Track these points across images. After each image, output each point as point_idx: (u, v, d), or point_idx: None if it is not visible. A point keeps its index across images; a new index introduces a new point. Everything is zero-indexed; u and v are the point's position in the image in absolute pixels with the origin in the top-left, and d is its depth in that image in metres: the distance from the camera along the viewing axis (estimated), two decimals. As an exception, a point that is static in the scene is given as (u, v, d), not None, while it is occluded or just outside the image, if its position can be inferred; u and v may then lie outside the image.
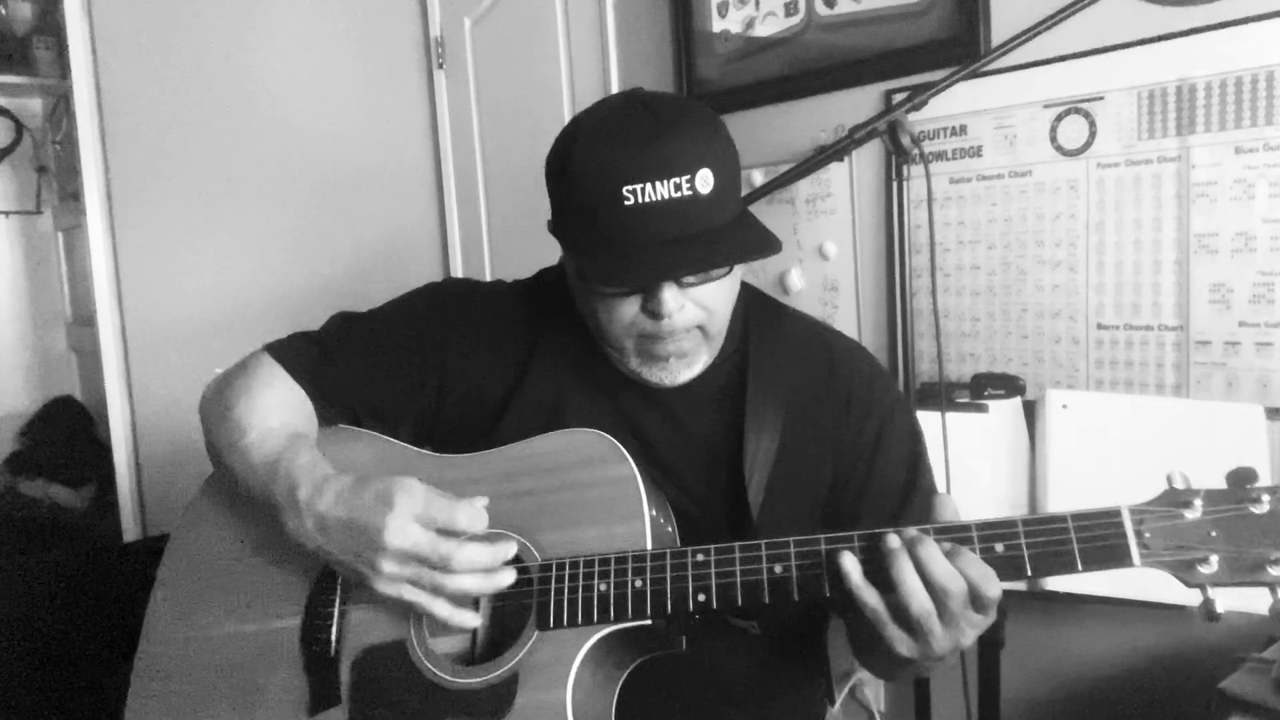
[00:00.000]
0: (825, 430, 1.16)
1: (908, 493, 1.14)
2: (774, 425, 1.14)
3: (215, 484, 1.23)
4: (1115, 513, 0.88)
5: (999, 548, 0.90)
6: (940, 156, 1.84)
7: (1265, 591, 0.86)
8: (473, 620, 1.00)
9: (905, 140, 1.52)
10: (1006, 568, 0.89)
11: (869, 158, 1.95)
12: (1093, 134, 1.66)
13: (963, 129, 1.82)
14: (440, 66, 2.92)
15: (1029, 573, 0.89)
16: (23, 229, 3.56)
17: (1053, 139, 1.71)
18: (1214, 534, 0.86)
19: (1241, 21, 1.48)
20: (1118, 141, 1.63)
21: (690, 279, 1.03)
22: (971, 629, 0.91)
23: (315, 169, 2.82)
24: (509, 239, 2.78)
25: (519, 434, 1.10)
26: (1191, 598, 0.88)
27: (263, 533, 1.13)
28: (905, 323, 1.60)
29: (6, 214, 3.51)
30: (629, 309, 1.04)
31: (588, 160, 1.01)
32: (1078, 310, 1.71)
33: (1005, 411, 1.60)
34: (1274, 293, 1.49)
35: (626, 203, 0.97)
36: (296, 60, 2.81)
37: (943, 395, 1.60)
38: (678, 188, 0.98)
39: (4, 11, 3.28)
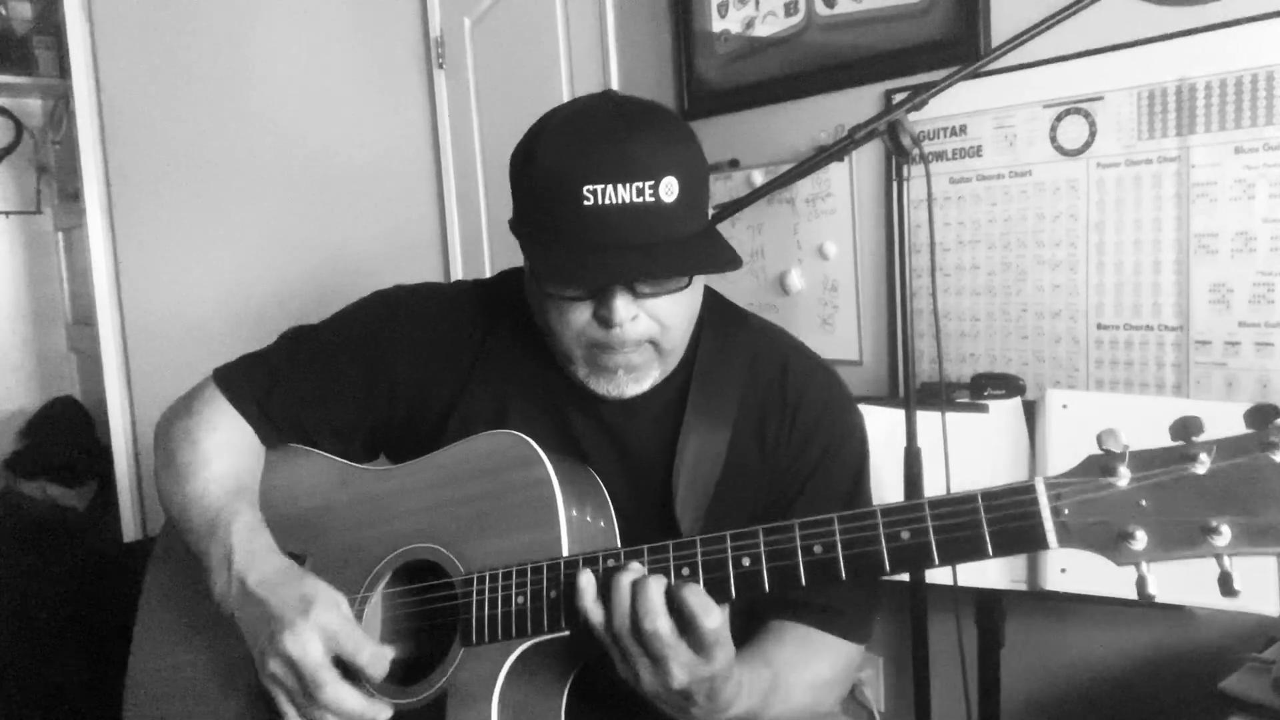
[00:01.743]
0: (769, 449, 1.13)
1: None
2: (718, 439, 1.10)
3: None
4: (1029, 488, 0.79)
5: (905, 534, 0.83)
6: (940, 156, 1.84)
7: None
8: None
9: (905, 140, 1.51)
10: (913, 556, 0.83)
11: (869, 158, 1.95)
12: (1093, 134, 1.66)
13: (963, 129, 1.82)
14: (440, 66, 2.92)
15: (936, 561, 0.82)
16: (23, 229, 3.56)
17: (1053, 139, 1.71)
18: (1144, 503, 0.75)
19: (1241, 21, 1.48)
20: (1118, 141, 1.63)
21: (645, 289, 0.99)
22: (682, 672, 0.87)
23: (315, 169, 2.82)
24: (509, 238, 2.77)
25: (461, 437, 1.08)
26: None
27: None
28: (905, 323, 1.60)
29: (6, 214, 3.51)
30: (580, 315, 1.00)
31: (551, 155, 0.97)
32: (1078, 310, 1.71)
33: (1005, 411, 1.60)
34: (1274, 293, 1.49)
35: (586, 202, 0.93)
36: (296, 60, 2.81)
37: (943, 395, 1.59)
38: (640, 192, 0.94)
39: (4, 11, 3.28)
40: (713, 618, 0.85)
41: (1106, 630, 1.70)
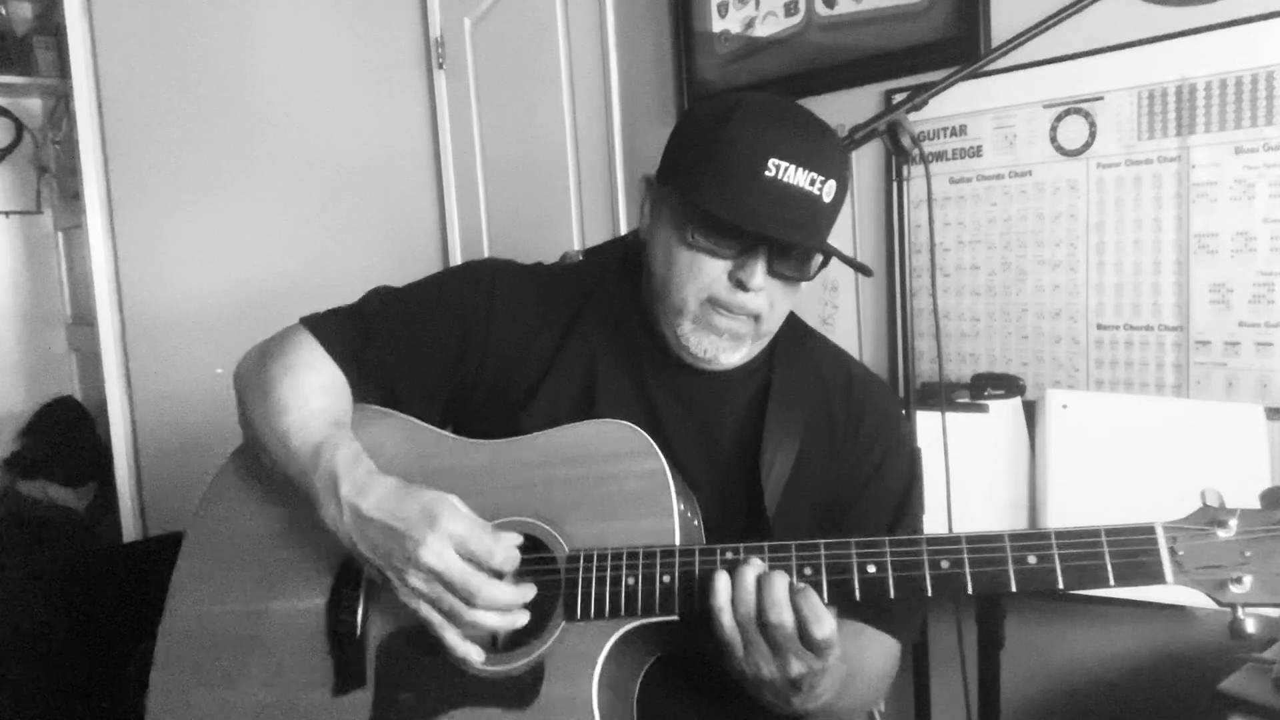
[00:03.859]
0: (835, 450, 1.18)
1: (891, 529, 1.15)
2: (792, 438, 1.15)
3: (242, 459, 1.23)
4: (1149, 529, 0.88)
5: (1031, 559, 0.89)
6: (940, 156, 1.85)
7: None
8: (476, 656, 1.00)
9: (905, 140, 1.51)
10: (1038, 579, 0.89)
11: (869, 158, 1.95)
12: (1093, 134, 1.66)
13: (963, 129, 1.82)
14: (440, 66, 2.92)
15: (1060, 585, 0.89)
16: (23, 229, 3.55)
17: (1053, 139, 1.71)
18: (1248, 554, 0.86)
19: (1241, 21, 1.48)
20: (1118, 141, 1.63)
21: (781, 268, 1.06)
22: (799, 662, 0.93)
23: (315, 169, 2.82)
24: (509, 238, 2.78)
25: (549, 409, 1.12)
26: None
27: (291, 513, 1.13)
28: (905, 323, 1.60)
29: (6, 214, 3.51)
30: (714, 268, 1.06)
31: (750, 122, 1.04)
32: (1078, 310, 1.71)
33: (1005, 411, 1.60)
34: (1274, 293, 1.49)
35: (767, 173, 1.01)
36: (297, 60, 2.81)
37: (943, 395, 1.59)
38: (812, 182, 1.02)
39: (4, 11, 3.28)
40: (824, 626, 0.90)
41: (1106, 630, 1.70)
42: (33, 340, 3.56)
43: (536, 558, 1.03)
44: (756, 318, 1.09)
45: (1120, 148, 1.63)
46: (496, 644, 1.05)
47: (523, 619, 1.00)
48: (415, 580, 0.99)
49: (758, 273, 1.04)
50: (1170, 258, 1.59)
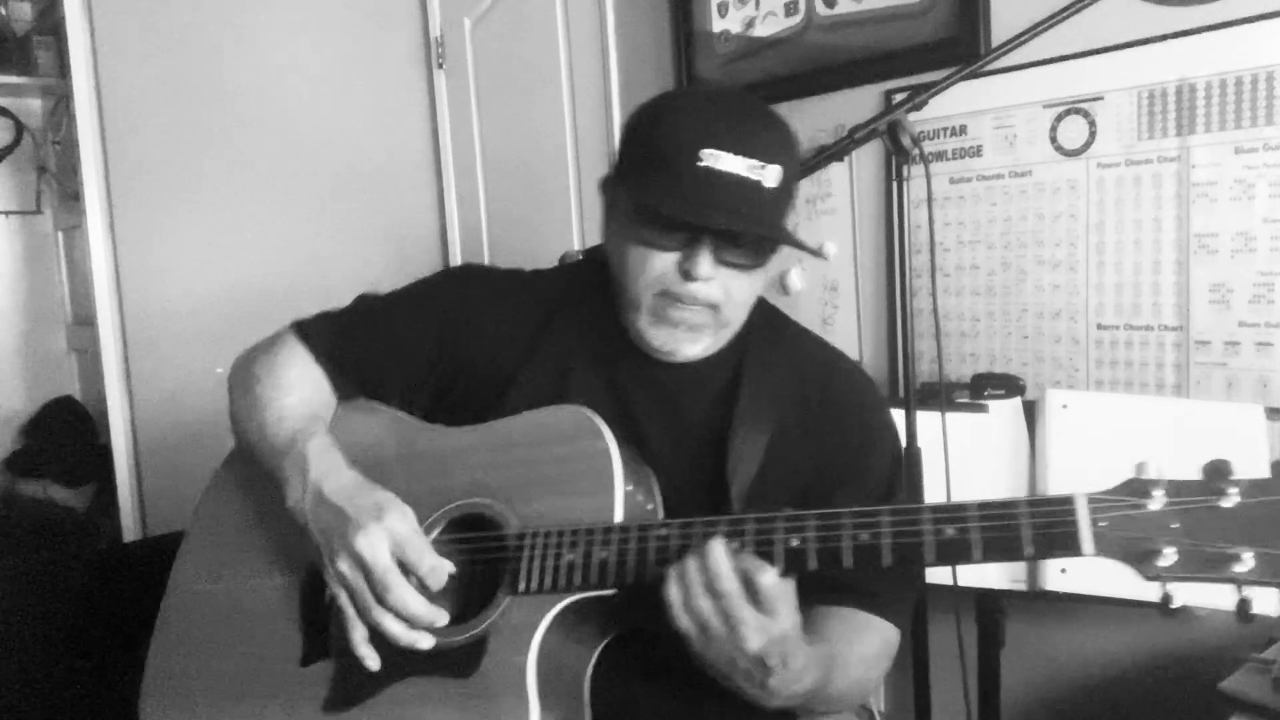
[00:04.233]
0: (809, 441, 1.18)
1: None
2: (763, 429, 1.16)
3: (237, 455, 1.31)
4: (1069, 500, 0.85)
5: (950, 531, 0.89)
6: (940, 156, 1.85)
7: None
8: (372, 661, 1.04)
9: (905, 140, 1.51)
10: (955, 552, 0.89)
11: (869, 158, 1.95)
12: (1093, 134, 1.66)
13: (963, 129, 1.82)
14: (440, 66, 2.92)
15: (977, 557, 0.88)
16: (23, 229, 3.55)
17: (1053, 139, 1.71)
18: (1175, 526, 0.83)
19: (1241, 21, 1.48)
20: (1118, 141, 1.63)
21: (728, 257, 1.07)
22: (756, 634, 0.90)
23: (315, 169, 2.82)
24: (509, 238, 2.78)
25: (525, 403, 1.15)
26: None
27: (273, 501, 1.18)
28: (905, 323, 1.60)
29: (6, 214, 3.51)
30: (663, 261, 1.08)
31: (678, 115, 1.07)
32: (1078, 310, 1.71)
33: (1005, 411, 1.60)
34: (1274, 293, 1.49)
35: (700, 163, 1.02)
36: (297, 60, 2.81)
37: (943, 395, 1.59)
38: (749, 169, 1.03)
39: (4, 11, 3.28)
40: (768, 574, 0.90)
41: (1106, 630, 1.70)
42: (33, 340, 3.56)
43: (490, 535, 1.08)
44: (714, 308, 1.10)
45: (1120, 148, 1.63)
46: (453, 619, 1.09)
47: (425, 642, 1.02)
48: (343, 564, 1.03)
49: (703, 262, 1.05)
50: (1170, 258, 1.59)
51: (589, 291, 1.22)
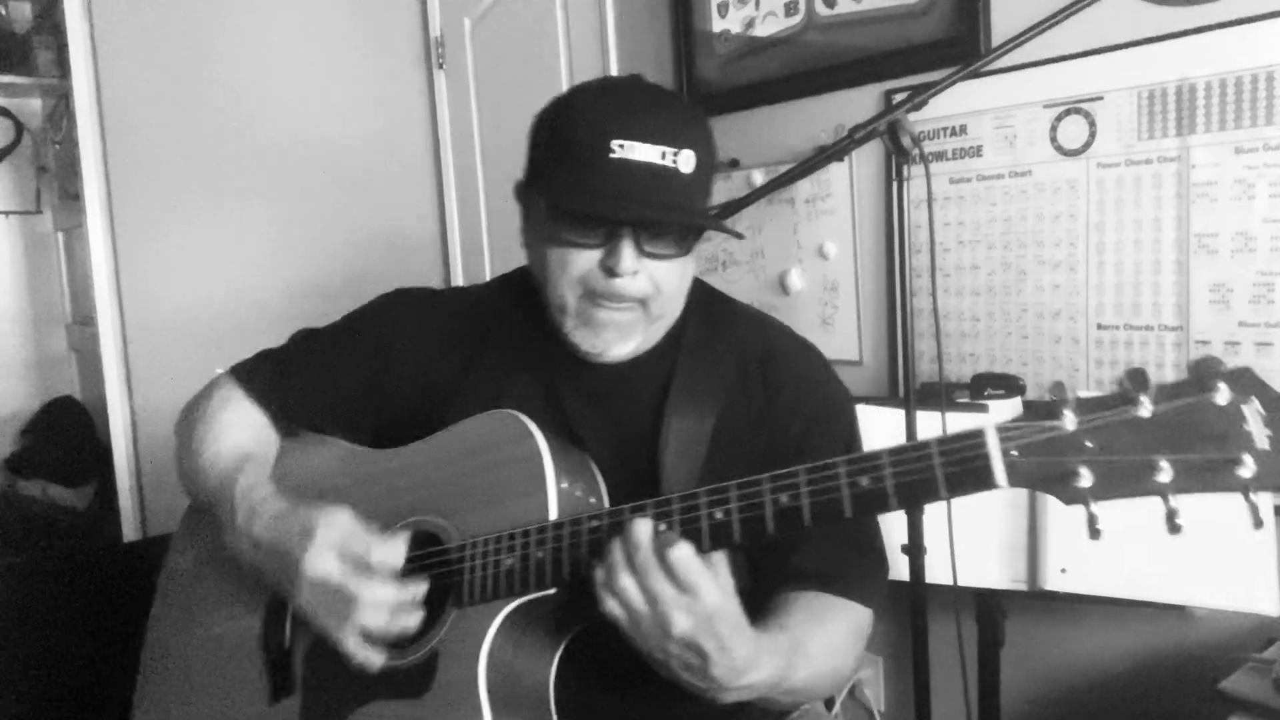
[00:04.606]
0: (755, 424, 1.17)
1: None
2: (704, 417, 1.14)
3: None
4: (979, 433, 0.82)
5: (864, 481, 0.87)
6: (940, 156, 1.85)
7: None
8: (375, 660, 1.01)
9: (905, 140, 1.51)
10: (872, 502, 0.87)
11: (869, 158, 1.95)
12: (1093, 134, 1.66)
13: (963, 129, 1.82)
14: (440, 66, 2.92)
15: (895, 505, 0.86)
16: (23, 229, 3.55)
17: (1053, 139, 1.71)
18: (1089, 444, 0.79)
19: (1241, 21, 1.48)
20: (1118, 141, 1.63)
21: (650, 248, 1.05)
22: (682, 616, 0.88)
23: (315, 169, 2.82)
24: (509, 238, 2.76)
25: (465, 418, 1.13)
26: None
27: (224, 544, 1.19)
28: (905, 323, 1.60)
29: (6, 214, 3.51)
30: (585, 260, 1.06)
31: (586, 109, 1.06)
32: (1078, 310, 1.71)
33: (1005, 411, 1.60)
34: (1274, 293, 1.49)
35: (613, 154, 1.01)
36: (297, 60, 2.81)
37: (943, 395, 1.60)
38: (663, 156, 1.02)
39: (4, 11, 3.28)
40: (680, 548, 0.88)
41: (1106, 630, 1.70)
42: (33, 340, 3.56)
43: (434, 551, 1.07)
44: (643, 302, 1.08)
45: (1120, 148, 1.63)
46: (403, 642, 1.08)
47: (414, 619, 1.01)
48: (304, 595, 1.02)
49: (625, 256, 1.04)
50: (1170, 258, 1.59)
51: (524, 299, 1.21)
